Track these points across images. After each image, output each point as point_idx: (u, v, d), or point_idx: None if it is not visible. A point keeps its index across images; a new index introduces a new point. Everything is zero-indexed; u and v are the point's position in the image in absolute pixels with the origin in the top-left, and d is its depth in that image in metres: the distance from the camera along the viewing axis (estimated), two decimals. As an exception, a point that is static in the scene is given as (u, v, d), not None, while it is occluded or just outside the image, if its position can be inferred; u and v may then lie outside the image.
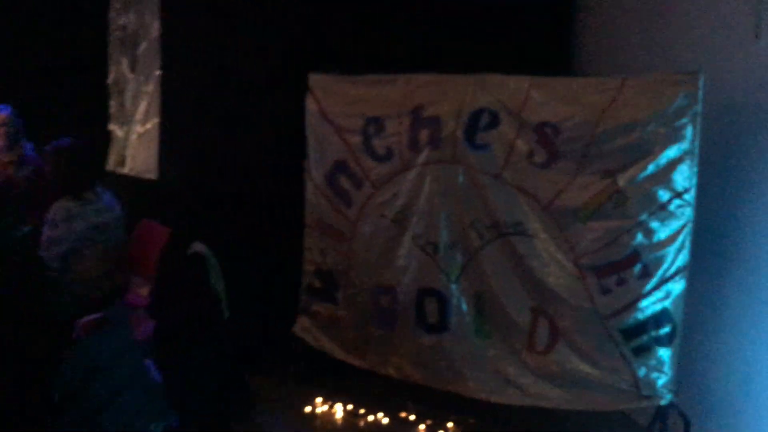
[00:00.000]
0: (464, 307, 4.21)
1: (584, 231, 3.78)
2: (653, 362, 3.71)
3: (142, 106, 6.31)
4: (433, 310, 4.28)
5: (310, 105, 4.58)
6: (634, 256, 3.65)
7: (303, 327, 4.83)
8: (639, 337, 3.71)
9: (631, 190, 3.61)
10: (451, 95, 4.11)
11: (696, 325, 3.77)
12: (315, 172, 4.63)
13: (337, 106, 4.47)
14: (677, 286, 3.64)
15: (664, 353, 3.70)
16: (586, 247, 3.78)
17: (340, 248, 4.58)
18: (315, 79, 4.58)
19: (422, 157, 4.20)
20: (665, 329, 3.68)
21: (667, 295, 3.65)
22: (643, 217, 3.61)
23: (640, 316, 3.69)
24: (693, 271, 3.64)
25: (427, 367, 4.34)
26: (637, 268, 3.65)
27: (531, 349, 4.03)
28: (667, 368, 3.70)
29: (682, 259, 3.61)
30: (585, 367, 3.86)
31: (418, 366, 4.38)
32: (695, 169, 3.53)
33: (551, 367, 3.96)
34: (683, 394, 3.76)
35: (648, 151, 3.56)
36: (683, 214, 3.57)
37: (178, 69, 5.56)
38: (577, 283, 3.82)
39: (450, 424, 4.42)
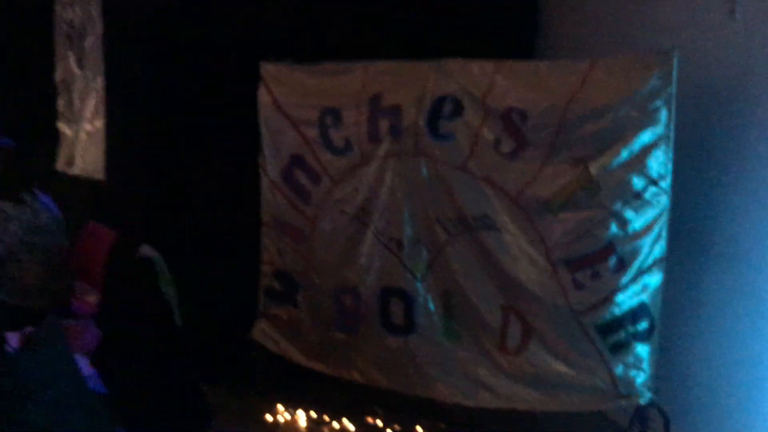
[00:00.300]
0: (431, 306, 3.98)
1: (555, 223, 3.57)
2: (631, 359, 3.51)
3: (91, 104, 6.01)
4: (398, 311, 4.06)
5: (263, 97, 4.31)
6: (609, 248, 3.45)
7: (262, 331, 4.58)
8: (616, 334, 3.51)
9: (604, 178, 3.40)
10: (411, 83, 3.87)
11: (674, 318, 3.58)
12: (271, 168, 4.37)
13: (292, 97, 4.21)
14: (654, 279, 3.44)
15: (642, 349, 3.50)
16: (557, 240, 3.57)
17: (298, 248, 4.33)
18: (267, 68, 4.32)
19: (383, 149, 3.96)
20: (643, 324, 3.48)
21: (644, 289, 3.46)
22: (617, 206, 3.40)
23: (617, 311, 3.49)
24: (670, 262, 3.44)
25: (394, 371, 4.11)
26: (612, 260, 3.45)
27: (503, 349, 3.82)
28: (645, 365, 3.51)
29: (659, 249, 3.41)
30: (560, 367, 3.66)
31: (384, 370, 4.15)
32: (671, 155, 3.33)
33: (524, 367, 3.75)
34: (663, 392, 3.56)
35: (621, 137, 3.35)
36: (659, 202, 3.37)
37: (124, 65, 5.26)
38: (550, 279, 3.61)
39: (419, 429, 4.20)
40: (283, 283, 4.47)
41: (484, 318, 3.83)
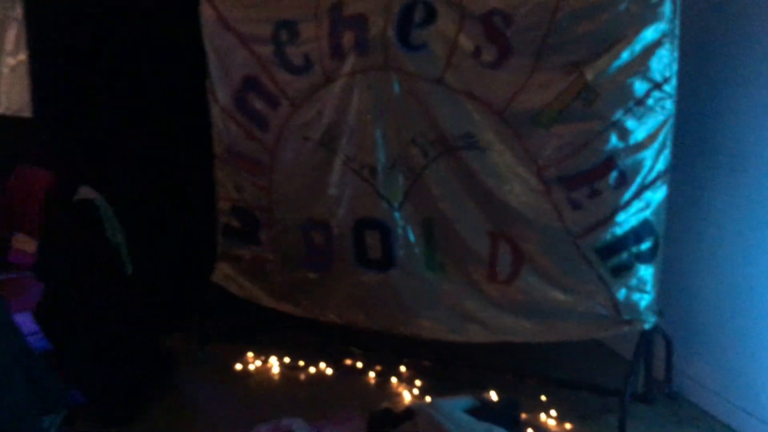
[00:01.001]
0: (411, 237, 3.64)
1: (547, 137, 3.23)
2: (634, 282, 3.25)
3: (11, 35, 5.38)
4: (375, 244, 3.71)
5: (206, 11, 3.83)
6: (609, 162, 3.13)
7: (224, 274, 4.20)
8: (617, 255, 3.23)
9: (602, 83, 3.06)
10: (374, -10, 3.42)
11: (676, 235, 3.30)
12: (220, 93, 3.92)
13: (239, 11, 3.74)
14: (658, 194, 3.16)
15: (646, 271, 3.24)
16: (550, 157, 3.24)
17: (258, 181, 3.93)
18: (207, -21, 3.82)
19: (348, 65, 3.53)
20: (647, 243, 3.20)
21: (648, 205, 3.17)
22: (618, 115, 3.07)
23: (618, 231, 3.20)
24: (673, 175, 3.13)
25: (373, 309, 3.80)
26: (613, 176, 3.14)
27: (492, 278, 3.52)
28: (649, 287, 3.25)
29: (663, 161, 3.11)
30: (556, 294, 3.38)
31: (362, 308, 3.83)
32: (676, 54, 2.99)
33: (517, 297, 3.47)
34: (665, 315, 3.31)
35: (620, 36, 3.00)
36: (663, 108, 3.05)
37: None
38: (543, 200, 3.30)
39: (402, 369, 3.92)
40: (243, 221, 4.08)
41: (471, 246, 3.51)
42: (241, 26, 3.73)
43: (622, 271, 3.24)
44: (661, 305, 3.28)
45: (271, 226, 3.98)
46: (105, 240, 3.75)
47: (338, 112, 3.61)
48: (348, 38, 3.50)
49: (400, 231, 3.64)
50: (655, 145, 3.07)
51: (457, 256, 3.57)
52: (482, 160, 3.38)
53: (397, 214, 3.63)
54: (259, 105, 3.81)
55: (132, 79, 4.20)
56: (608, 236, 3.20)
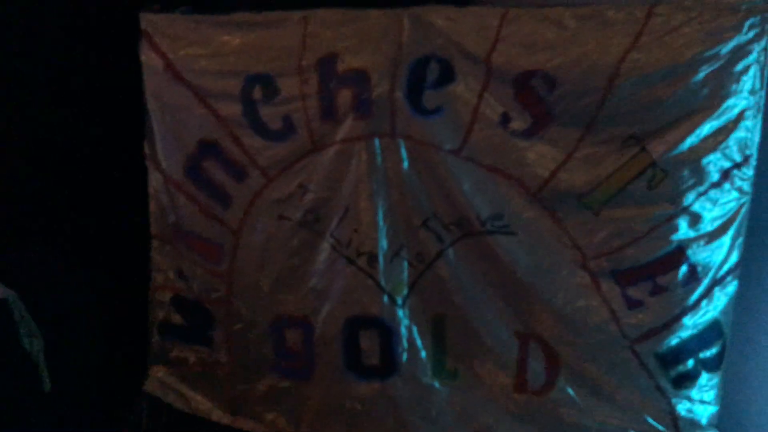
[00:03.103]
0: (417, 338, 3.06)
1: (597, 223, 2.77)
2: (697, 393, 2.82)
3: None
4: (372, 347, 3.12)
5: (149, 58, 3.14)
6: (677, 254, 2.71)
7: (160, 382, 3.47)
8: (683, 363, 2.80)
9: (673, 162, 2.63)
10: (376, 38, 2.88)
11: (739, 335, 2.90)
12: (165, 159, 3.23)
13: (197, 61, 3.07)
14: (729, 289, 2.76)
15: (711, 380, 2.83)
16: (600, 246, 2.79)
17: (214, 267, 3.24)
18: (151, 19, 3.14)
19: (343, 130, 2.95)
20: (715, 348, 2.81)
21: (717, 303, 2.75)
22: (690, 198, 2.66)
23: (684, 333, 2.77)
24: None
25: (364, 426, 3.18)
26: (683, 270, 2.70)
27: (520, 389, 3.00)
28: (714, 399, 2.82)
29: (737, 252, 2.73)
30: (602, 409, 2.91)
31: (349, 424, 3.21)
32: (758, 130, 2.61)
33: (551, 411, 2.96)
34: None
35: (695, 108, 2.59)
36: (741, 190, 2.66)
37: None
38: (590, 296, 2.83)
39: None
40: (187, 315, 3.38)
41: (493, 349, 3.00)
42: (199, 79, 3.07)
43: (686, 381, 2.82)
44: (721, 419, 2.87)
45: (229, 323, 3.29)
46: (20, 349, 2.93)
47: (328, 187, 3.02)
48: (344, 97, 2.92)
49: (404, 331, 3.06)
50: (730, 233, 2.69)
51: (474, 360, 3.04)
52: (512, 246, 2.88)
53: (400, 312, 3.05)
54: (219, 176, 3.15)
55: (52, 142, 3.39)
56: (673, 340, 2.77)
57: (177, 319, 3.40)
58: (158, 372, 3.46)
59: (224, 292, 3.26)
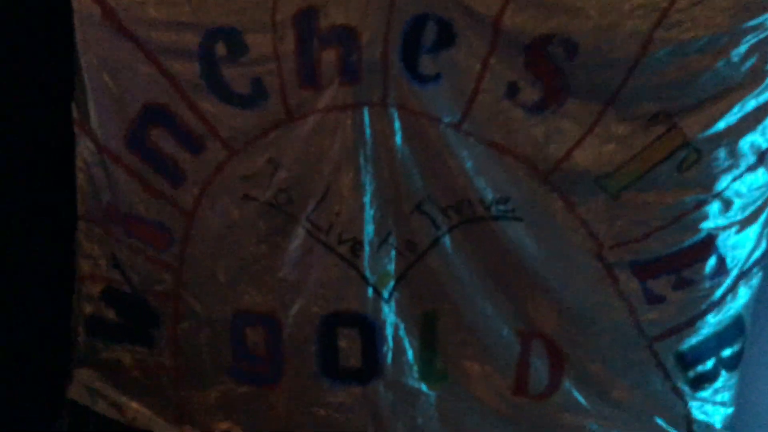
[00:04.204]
0: (404, 336, 2.74)
1: (615, 209, 2.54)
2: (712, 394, 2.65)
3: None
4: (352, 347, 2.78)
5: (83, 5, 2.65)
6: (706, 244, 2.51)
7: (85, 387, 3.02)
8: (702, 363, 2.62)
9: (707, 142, 2.40)
10: (367, -9, 2.51)
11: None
12: (101, 126, 2.76)
13: (145, 8, 2.60)
14: (753, 282, 2.60)
15: (729, 380, 2.66)
16: (619, 234, 2.56)
17: (159, 255, 2.81)
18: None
19: (326, 97, 2.58)
20: (736, 346, 2.65)
21: (741, 297, 2.57)
22: (724, 183, 2.46)
23: (707, 331, 2.57)
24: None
25: (339, 435, 2.82)
26: (711, 261, 2.50)
27: (520, 391, 2.75)
28: (730, 399, 2.66)
29: (765, 242, 2.53)
30: (610, 414, 2.69)
31: (322, 434, 2.84)
32: (799, 106, 2.43)
33: (552, 416, 2.72)
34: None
35: (734, 84, 2.36)
36: (773, 174, 2.48)
37: None
38: (604, 290, 2.59)
39: None
40: (122, 310, 2.96)
41: (491, 348, 2.73)
42: (146, 31, 2.62)
43: (705, 382, 2.65)
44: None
45: (176, 320, 2.86)
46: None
47: (305, 163, 2.65)
48: (328, 59, 2.54)
49: (389, 329, 2.73)
50: (761, 220, 2.51)
51: (466, 362, 2.75)
52: (519, 234, 2.60)
53: (385, 307, 2.72)
54: (168, 147, 2.72)
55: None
56: (695, 338, 2.57)
57: (109, 314, 2.95)
58: (85, 376, 2.99)
59: (171, 284, 2.84)
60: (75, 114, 2.78)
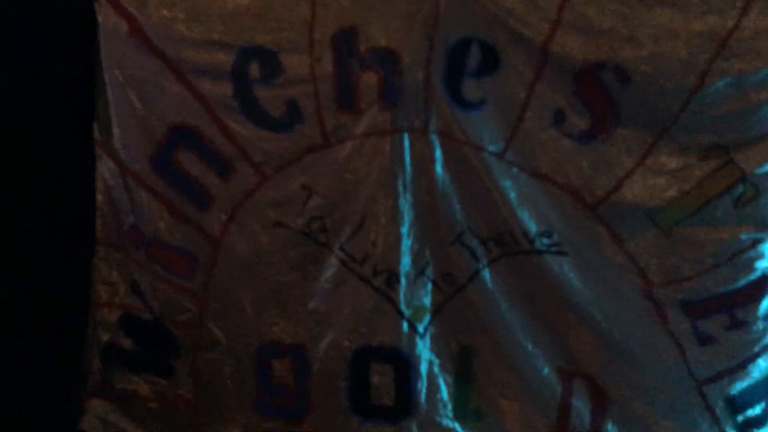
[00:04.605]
0: (439, 373, 2.64)
1: (666, 245, 2.44)
2: (760, 439, 2.55)
3: None
4: (386, 384, 2.67)
5: (109, 20, 2.55)
6: (761, 283, 2.42)
7: (100, 419, 2.91)
8: (752, 407, 2.52)
9: (766, 178, 2.32)
10: (405, 10, 2.41)
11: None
12: (124, 147, 2.66)
13: (175, 25, 2.51)
14: (802, 321, 2.49)
15: (775, 425, 2.56)
16: (670, 272, 2.47)
17: (183, 282, 2.71)
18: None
19: (364, 122, 2.48)
20: (784, 388, 2.52)
21: (789, 337, 2.48)
22: (781, 221, 2.35)
23: (757, 374, 2.48)
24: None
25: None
26: (766, 302, 2.40)
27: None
28: (776, 446, 2.57)
29: (817, 281, 2.45)
30: (656, 458, 2.57)
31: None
32: None
33: (595, 459, 2.61)
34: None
35: (798, 117, 2.28)
36: (830, 211, 2.39)
37: None
38: (652, 328, 2.50)
39: None
40: (142, 340, 2.85)
41: (530, 386, 2.63)
42: (177, 49, 2.53)
43: (753, 426, 2.55)
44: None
45: (199, 351, 2.75)
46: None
47: (341, 191, 2.56)
48: (368, 82, 2.44)
49: (423, 366, 2.62)
50: (814, 259, 2.41)
51: (505, 399, 2.65)
52: (563, 269, 2.51)
53: (420, 342, 2.61)
54: (196, 170, 2.63)
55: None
56: (746, 381, 2.48)
57: (127, 343, 2.84)
58: (98, 407, 2.88)
59: (194, 313, 2.73)
60: (96, 133, 2.68)
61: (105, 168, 2.70)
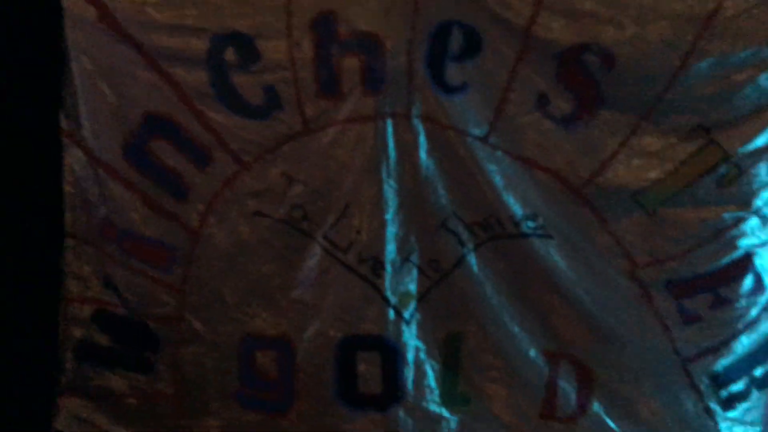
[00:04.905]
0: (426, 360, 2.64)
1: (651, 225, 2.47)
2: (743, 415, 2.62)
3: None
4: (372, 372, 2.65)
5: (76, 6, 2.44)
6: (744, 262, 2.47)
7: (74, 416, 2.81)
8: (735, 382, 2.57)
9: (748, 157, 2.36)
10: (386, -3, 2.38)
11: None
12: (94, 136, 2.57)
13: (146, 10, 2.42)
14: (786, 299, 2.54)
15: (759, 400, 2.63)
16: (654, 251, 2.50)
17: (161, 275, 2.64)
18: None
19: (347, 108, 2.44)
20: (767, 365, 2.57)
21: (772, 313, 2.54)
22: (762, 199, 2.40)
23: (740, 350, 2.53)
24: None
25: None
26: (748, 279, 2.45)
27: (548, 415, 2.65)
28: (759, 419, 2.63)
29: (800, 256, 2.51)
30: (642, 435, 2.62)
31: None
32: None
33: (581, 441, 2.64)
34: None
35: (781, 98, 2.32)
36: (812, 188, 2.45)
37: None
38: (638, 309, 2.52)
39: None
40: (118, 335, 2.76)
41: (517, 370, 2.64)
42: (149, 34, 2.44)
43: (736, 401, 2.61)
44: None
45: (179, 345, 2.69)
46: None
47: (323, 178, 2.52)
48: (350, 66, 2.40)
49: (410, 353, 2.61)
50: (795, 236, 2.46)
51: (492, 383, 2.66)
52: (549, 252, 2.52)
53: (406, 329, 2.60)
54: (171, 160, 2.56)
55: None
56: (729, 358, 2.53)
57: (102, 339, 2.76)
58: (73, 405, 2.80)
59: (173, 307, 2.67)
60: (63, 123, 2.58)
61: (73, 159, 2.61)
